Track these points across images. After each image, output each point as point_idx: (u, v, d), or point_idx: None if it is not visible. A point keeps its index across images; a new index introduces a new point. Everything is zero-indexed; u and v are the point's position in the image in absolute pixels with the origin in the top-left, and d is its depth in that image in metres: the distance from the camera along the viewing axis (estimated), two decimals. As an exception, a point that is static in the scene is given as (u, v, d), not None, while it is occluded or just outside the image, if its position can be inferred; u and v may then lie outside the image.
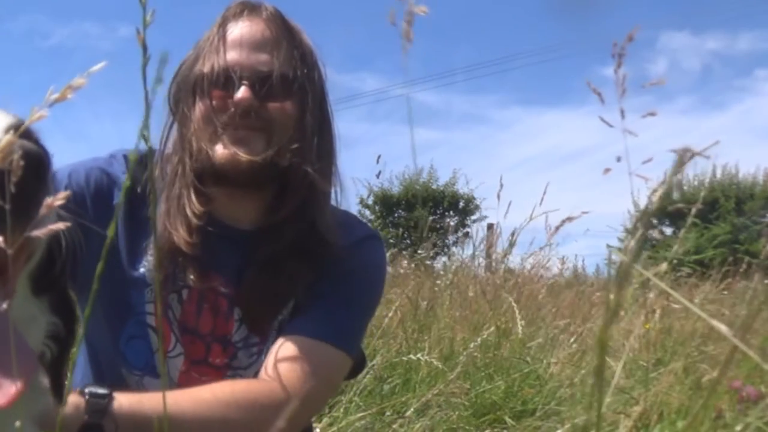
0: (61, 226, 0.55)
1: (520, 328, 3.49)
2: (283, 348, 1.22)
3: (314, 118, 1.28)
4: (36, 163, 0.67)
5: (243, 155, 1.21)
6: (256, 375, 1.26)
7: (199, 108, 1.25)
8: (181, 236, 1.22)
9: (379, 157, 4.39)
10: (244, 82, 1.22)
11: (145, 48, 0.57)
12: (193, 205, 1.24)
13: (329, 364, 1.25)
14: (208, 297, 1.28)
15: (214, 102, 1.23)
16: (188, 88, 1.27)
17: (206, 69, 1.24)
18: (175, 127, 1.31)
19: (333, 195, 1.36)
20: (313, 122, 1.27)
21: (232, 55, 1.24)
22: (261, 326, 1.29)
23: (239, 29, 1.26)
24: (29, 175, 0.55)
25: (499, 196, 4.30)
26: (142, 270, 1.27)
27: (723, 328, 0.49)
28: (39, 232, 0.53)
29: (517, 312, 3.51)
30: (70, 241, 0.81)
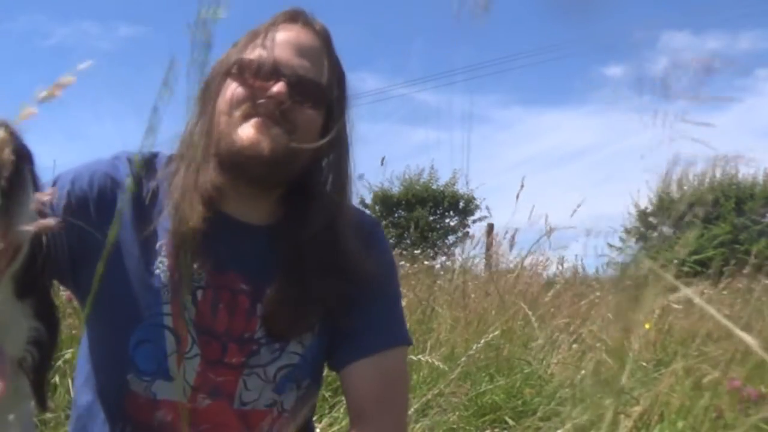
0: (49, 222, 0.55)
1: (538, 334, 3.48)
2: (368, 377, 1.31)
3: (335, 135, 1.32)
4: (19, 158, 0.67)
5: (265, 143, 1.22)
6: (278, 371, 1.29)
7: (230, 90, 1.26)
8: (195, 211, 1.23)
9: (383, 159, 4.41)
10: (283, 78, 1.25)
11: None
12: (211, 176, 1.25)
13: (405, 364, 1.39)
14: (223, 296, 1.28)
15: (246, 88, 1.25)
16: (222, 73, 1.29)
17: (251, 56, 1.27)
18: (201, 121, 1.31)
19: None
20: (333, 137, 1.31)
21: (278, 52, 1.27)
22: (282, 337, 1.31)
23: (291, 32, 1.30)
24: (14, 170, 0.55)
25: (518, 196, 4.40)
26: (157, 272, 1.26)
27: (749, 339, 0.48)
28: (29, 227, 0.53)
29: (533, 319, 3.51)
30: (52, 243, 0.80)
